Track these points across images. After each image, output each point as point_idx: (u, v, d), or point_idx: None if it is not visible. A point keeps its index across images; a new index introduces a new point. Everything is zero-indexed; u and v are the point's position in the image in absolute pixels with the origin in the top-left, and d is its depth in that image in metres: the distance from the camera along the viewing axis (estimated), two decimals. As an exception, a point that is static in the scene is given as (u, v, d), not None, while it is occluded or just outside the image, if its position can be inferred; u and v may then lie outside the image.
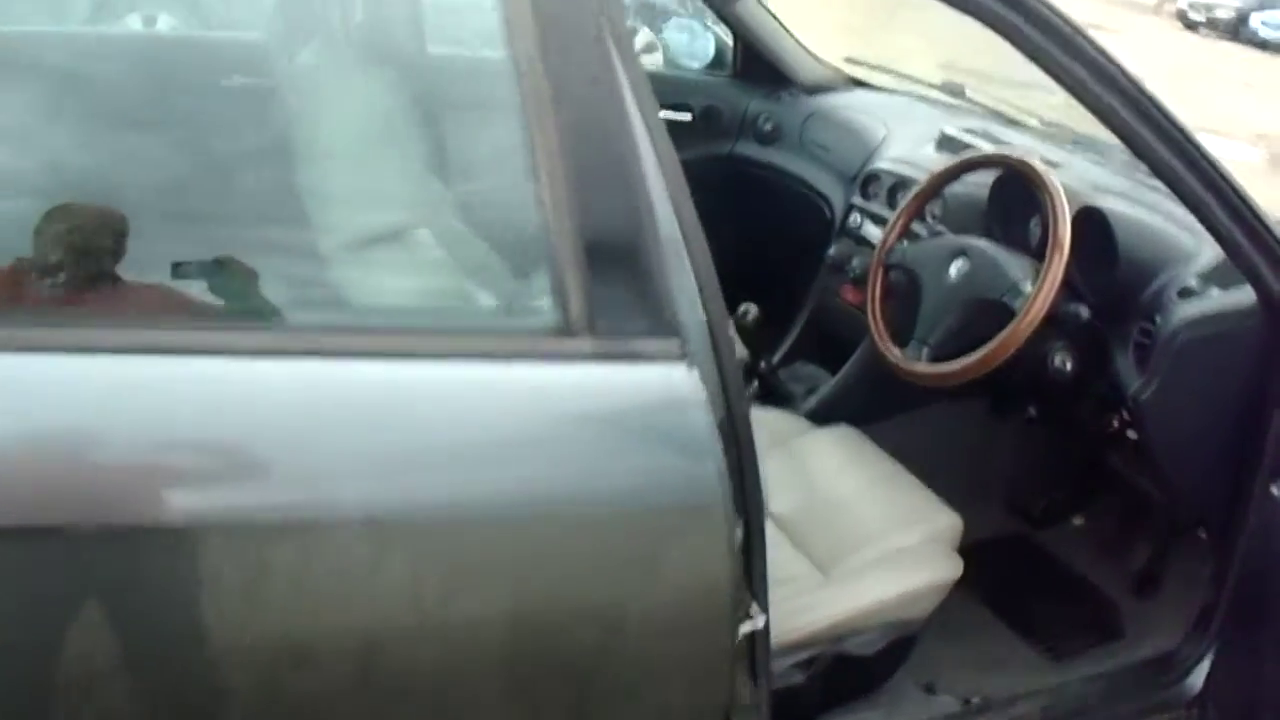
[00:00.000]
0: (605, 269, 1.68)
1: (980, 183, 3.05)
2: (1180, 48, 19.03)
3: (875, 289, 3.02)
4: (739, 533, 1.77)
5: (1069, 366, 2.75)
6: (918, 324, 2.86)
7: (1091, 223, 2.77)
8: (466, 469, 1.62)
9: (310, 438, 1.55)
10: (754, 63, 4.09)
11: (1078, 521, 3.57)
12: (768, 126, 4.05)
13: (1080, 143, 3.25)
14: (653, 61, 4.29)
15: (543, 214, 1.67)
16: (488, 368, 1.67)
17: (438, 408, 1.62)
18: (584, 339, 1.67)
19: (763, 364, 3.43)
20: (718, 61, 4.16)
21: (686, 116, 4.02)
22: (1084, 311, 2.67)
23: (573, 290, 1.67)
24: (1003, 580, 3.28)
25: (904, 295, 2.98)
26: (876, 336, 2.95)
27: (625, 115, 1.69)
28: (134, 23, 3.51)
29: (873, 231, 3.47)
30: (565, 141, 1.66)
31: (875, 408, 3.19)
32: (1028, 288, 2.66)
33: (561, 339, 1.67)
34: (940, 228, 3.10)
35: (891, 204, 3.45)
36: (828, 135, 3.86)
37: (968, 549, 2.66)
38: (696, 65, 4.15)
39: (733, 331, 1.77)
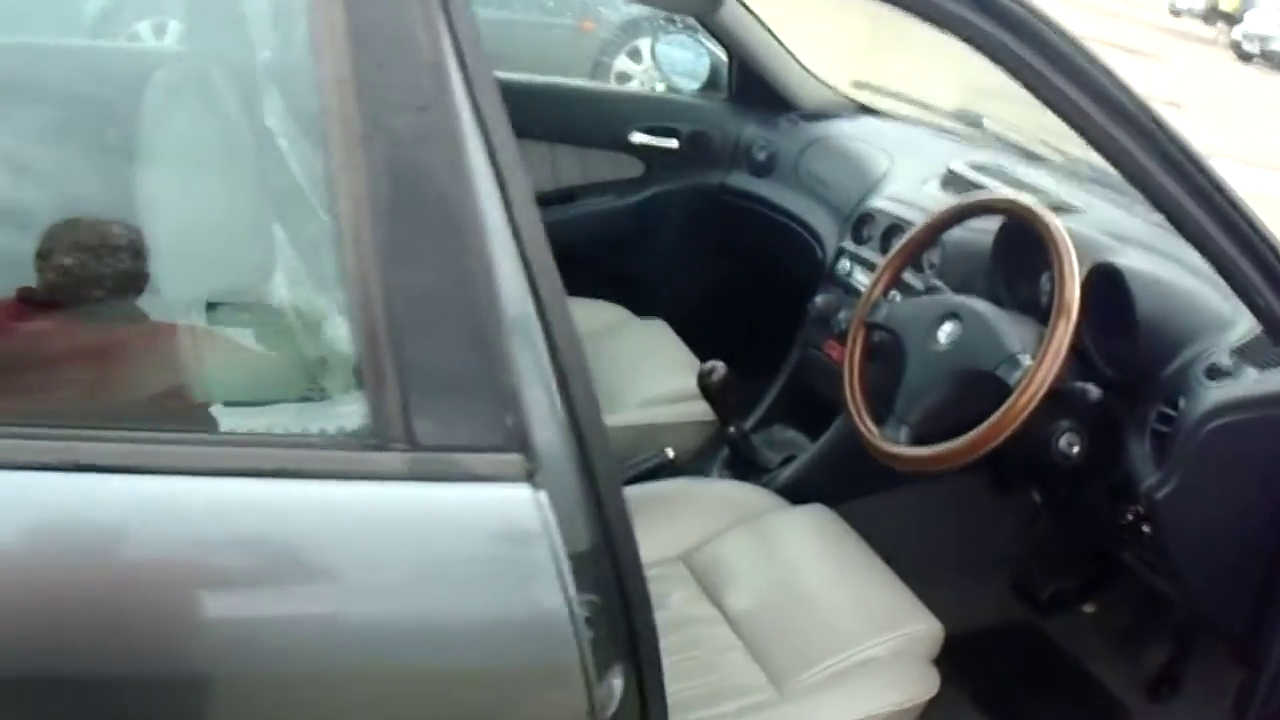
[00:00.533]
0: (428, 361, 1.31)
1: (986, 229, 2.65)
2: (1232, 79, 18.41)
3: (854, 352, 2.63)
4: (613, 690, 1.43)
5: (1075, 450, 2.37)
6: (898, 397, 2.47)
7: (1107, 283, 2.37)
8: (238, 613, 1.28)
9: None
10: (751, 84, 3.74)
11: (1089, 609, 3.18)
12: (762, 156, 3.70)
13: (1104, 182, 2.88)
14: (642, 81, 3.89)
15: (346, 287, 1.29)
16: (272, 486, 1.28)
17: (201, 533, 1.26)
18: (398, 452, 1.30)
19: (732, 429, 2.97)
20: (712, 82, 3.80)
21: (673, 143, 3.73)
22: (1094, 390, 2.29)
23: (385, 389, 1.29)
24: (1001, 675, 2.97)
25: (888, 360, 2.58)
26: (851, 410, 2.52)
27: (462, 156, 1.31)
28: (144, 31, 3.40)
29: (862, 280, 3.05)
30: (377, 189, 1.29)
31: (857, 483, 2.81)
32: (1027, 360, 2.26)
33: (368, 452, 1.30)
34: (936, 281, 2.69)
35: (885, 249, 3.02)
36: (826, 167, 3.49)
37: (963, 638, 2.37)
38: (692, 86, 3.80)
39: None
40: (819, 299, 3.13)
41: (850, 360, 2.62)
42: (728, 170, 3.74)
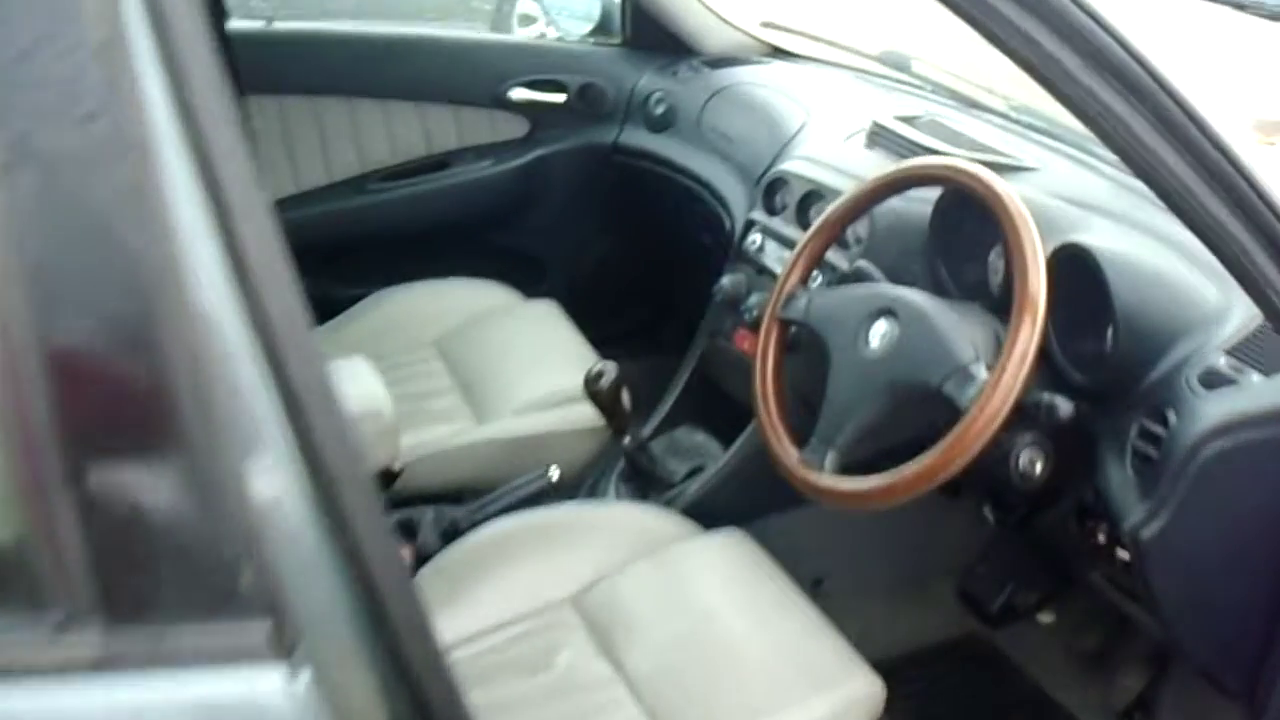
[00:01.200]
0: (117, 488, 0.86)
1: (923, 198, 2.22)
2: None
3: (766, 354, 2.20)
4: None
5: (1038, 470, 1.95)
6: (822, 412, 2.04)
7: (1075, 268, 1.94)
8: None
9: None
10: (647, 27, 3.36)
11: (1046, 619, 2.76)
12: (660, 109, 3.29)
13: (1058, 134, 2.55)
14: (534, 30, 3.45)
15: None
16: None
17: None
18: (84, 633, 0.86)
19: (628, 439, 2.53)
20: (603, 26, 3.42)
21: (559, 97, 3.35)
22: (1064, 405, 1.86)
23: (55, 537, 0.85)
24: (951, 699, 2.61)
25: (809, 363, 2.16)
26: (764, 427, 2.09)
27: (154, 184, 0.82)
28: None
29: (776, 259, 2.65)
30: (25, 243, 0.83)
31: (777, 497, 2.32)
32: (982, 373, 1.84)
33: (42, 636, 0.86)
34: (864, 264, 2.24)
35: (802, 221, 2.61)
36: (732, 121, 3.07)
37: (907, 658, 2.15)
38: (581, 29, 3.45)
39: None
40: (725, 280, 2.67)
41: (762, 365, 2.18)
42: (621, 126, 3.35)
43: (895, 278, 2.17)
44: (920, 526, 2.59)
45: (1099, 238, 1.98)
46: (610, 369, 2.42)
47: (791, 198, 2.67)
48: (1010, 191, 1.91)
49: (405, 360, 2.79)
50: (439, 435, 2.54)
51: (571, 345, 2.86)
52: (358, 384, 1.95)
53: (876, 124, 2.67)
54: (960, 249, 2.21)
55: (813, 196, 2.61)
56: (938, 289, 2.16)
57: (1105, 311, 1.89)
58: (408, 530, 2.42)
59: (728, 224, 2.90)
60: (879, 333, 2.00)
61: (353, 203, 3.20)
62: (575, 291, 3.25)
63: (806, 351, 2.17)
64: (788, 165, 2.72)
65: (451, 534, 2.33)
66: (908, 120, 2.65)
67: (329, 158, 3.17)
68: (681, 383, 2.84)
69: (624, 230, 3.43)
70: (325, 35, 3.26)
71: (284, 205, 3.06)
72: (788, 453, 2.05)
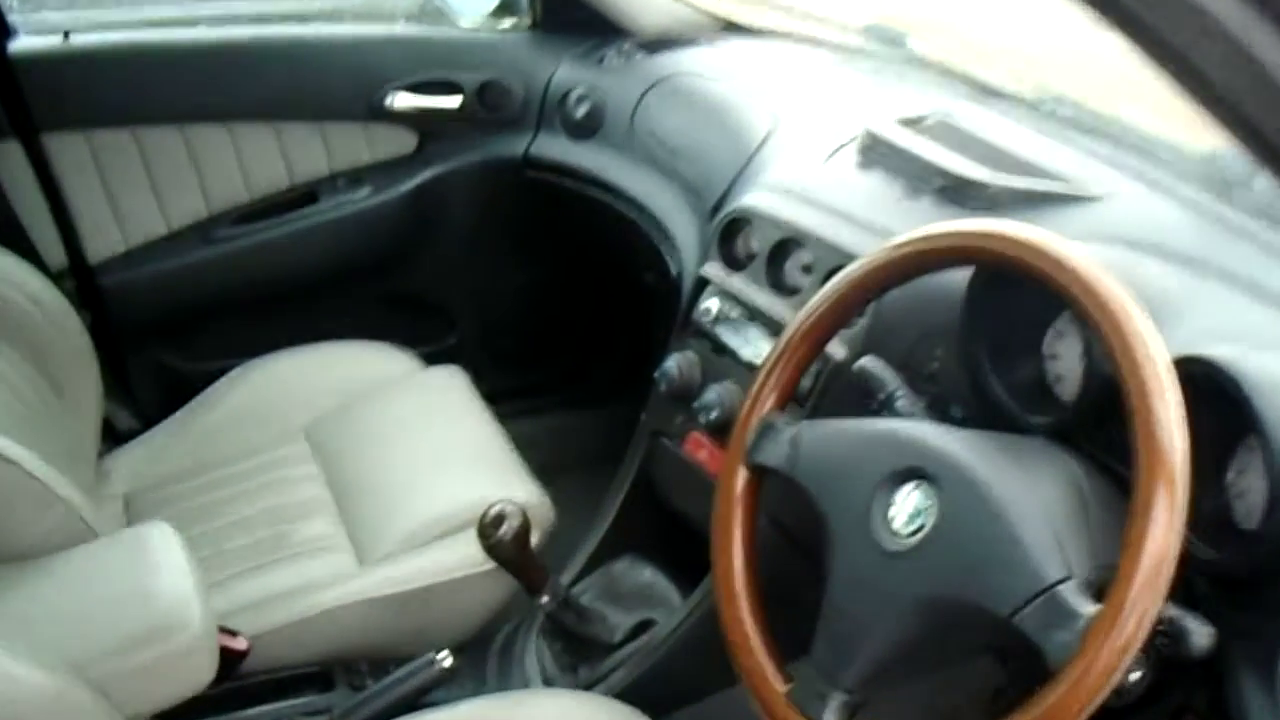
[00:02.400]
0: None
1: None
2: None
3: (730, 520, 1.50)
4: None
5: (1135, 681, 1.25)
6: (820, 629, 1.36)
7: (1202, 391, 1.25)
8: None
9: None
10: (561, 3, 2.70)
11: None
12: (582, 109, 2.60)
13: (1108, 133, 1.91)
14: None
15: None
16: None
17: None
18: None
19: (545, 599, 1.89)
20: (507, 5, 2.76)
21: (454, 101, 2.68)
22: (1199, 635, 1.20)
23: None
24: None
25: (802, 523, 1.55)
26: (733, 636, 1.45)
27: None
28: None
29: (739, 333, 1.96)
30: None
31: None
32: (1082, 605, 1.16)
33: None
34: (870, 363, 1.56)
35: (776, 282, 1.93)
36: (676, 124, 2.38)
37: None
38: (477, 12, 2.76)
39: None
40: (671, 364, 1.98)
41: (724, 536, 1.49)
42: (534, 134, 2.70)
43: (914, 380, 1.55)
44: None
45: (1229, 339, 1.32)
46: (511, 516, 1.71)
47: (759, 245, 1.96)
48: (1116, 291, 1.24)
49: (269, 460, 2.25)
50: (305, 581, 1.99)
51: (480, 437, 2.26)
52: (159, 577, 1.61)
53: (871, 134, 1.95)
54: (1007, 333, 1.52)
55: (789, 246, 1.91)
56: (980, 396, 1.52)
57: (1250, 459, 1.28)
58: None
59: (673, 267, 2.23)
60: (906, 510, 1.32)
61: (198, 256, 2.61)
62: (490, 341, 2.85)
63: (795, 523, 1.58)
64: (752, 199, 2.00)
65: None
66: (912, 124, 1.95)
67: (164, 202, 2.58)
68: (619, 499, 2.13)
69: (544, 263, 2.86)
70: (145, 47, 2.57)
71: (109, 269, 2.55)
72: (769, 685, 1.35)
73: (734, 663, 1.43)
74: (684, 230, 2.24)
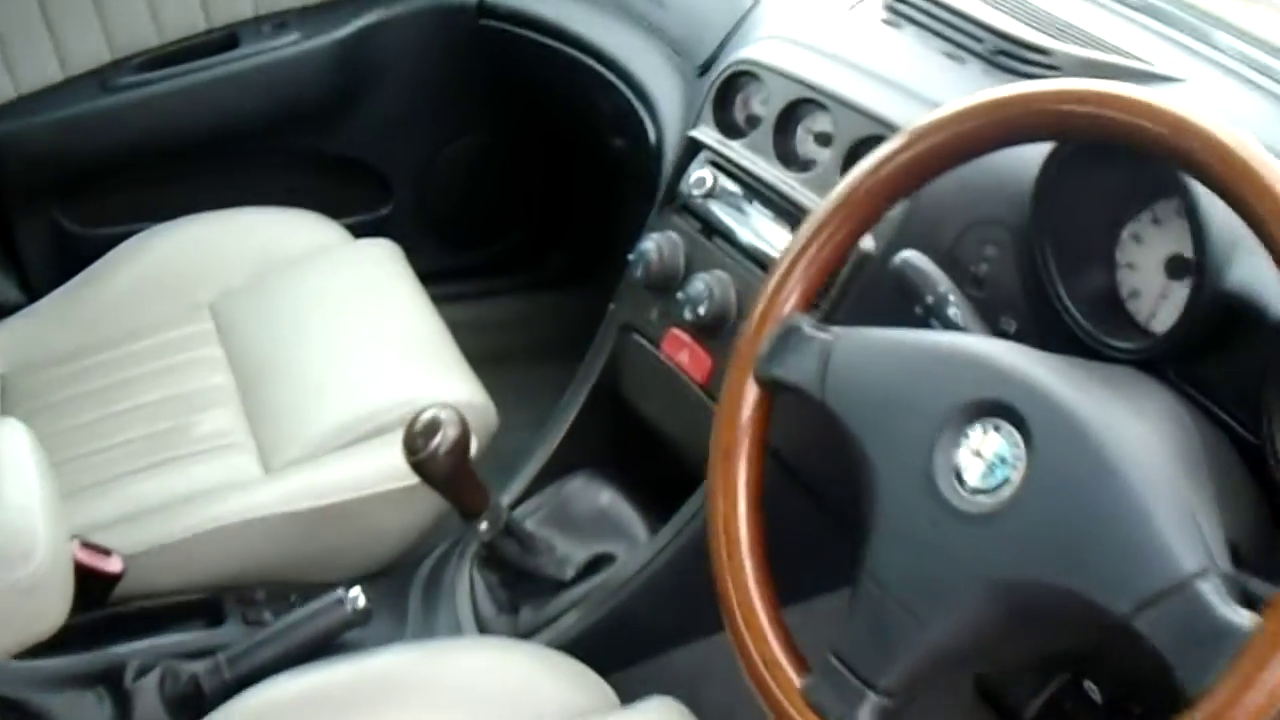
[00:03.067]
0: None
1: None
2: None
3: (734, 456, 1.17)
4: None
5: None
6: (854, 610, 1.04)
7: None
8: None
9: None
10: None
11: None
12: None
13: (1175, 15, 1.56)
14: None
15: None
16: None
17: None
18: None
19: (484, 525, 1.55)
20: None
21: None
22: None
23: None
24: None
25: (822, 461, 1.18)
26: (731, 606, 1.11)
27: None
28: None
29: (738, 212, 1.62)
30: None
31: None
32: (1234, 615, 0.85)
33: None
34: (912, 258, 1.25)
35: (784, 154, 1.59)
36: None
37: None
38: None
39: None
40: (650, 244, 1.65)
41: (726, 478, 1.16)
42: None
43: (958, 283, 1.25)
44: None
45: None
46: (447, 423, 1.37)
47: (763, 107, 1.63)
48: (1267, 161, 0.93)
49: (168, 340, 1.95)
50: (198, 488, 1.68)
51: (413, 323, 1.95)
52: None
53: None
54: (1079, 234, 1.24)
55: (802, 109, 1.58)
56: (1040, 308, 1.24)
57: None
58: (113, 687, 1.50)
59: (652, 133, 1.91)
60: (983, 459, 0.99)
61: (100, 104, 2.26)
62: (431, 213, 2.54)
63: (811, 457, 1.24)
64: (757, 50, 1.66)
65: (190, 703, 1.45)
66: None
67: (60, 42, 2.22)
68: (576, 404, 1.80)
69: (496, 126, 2.54)
70: None
71: (-1, 115, 2.18)
72: (781, 673, 1.03)
73: (731, 633, 1.10)
74: (667, 91, 1.91)
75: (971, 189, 1.31)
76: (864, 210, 1.16)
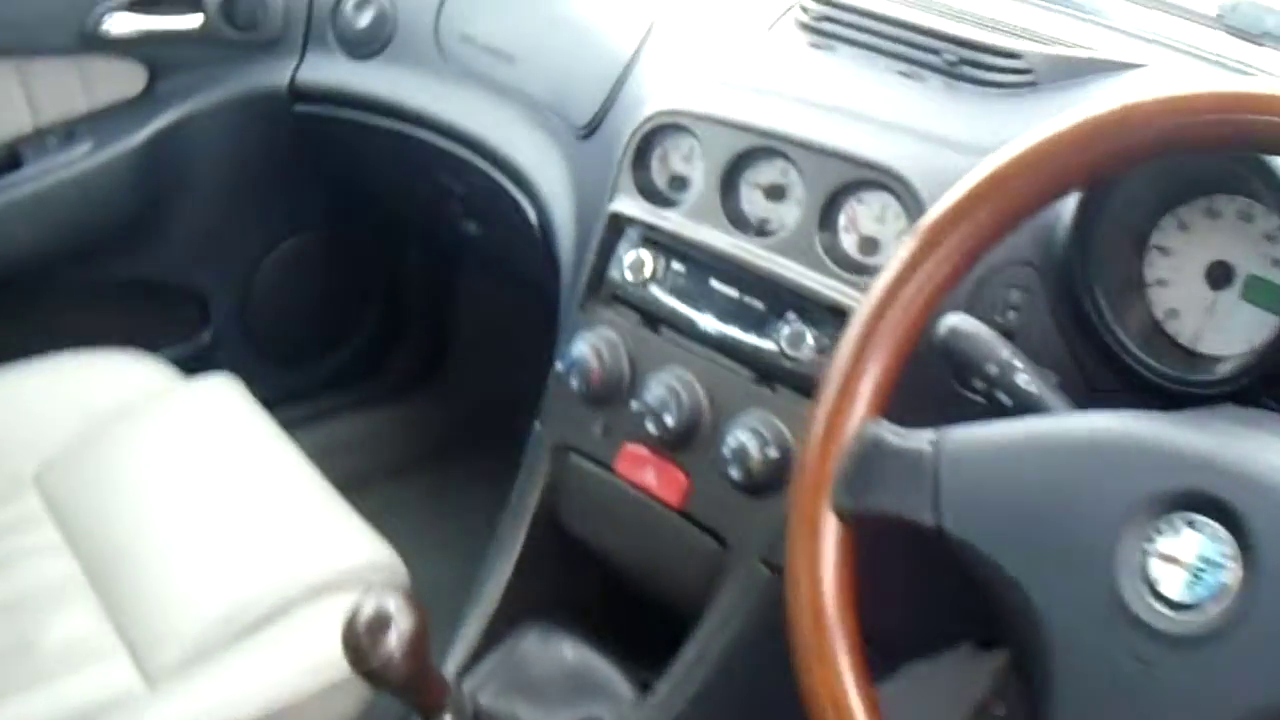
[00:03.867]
0: None
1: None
2: None
3: (829, 627, 0.91)
4: None
5: None
6: None
7: None
8: None
9: None
10: None
11: None
12: (364, 17, 1.97)
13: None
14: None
15: None
16: None
17: None
18: None
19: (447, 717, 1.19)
20: None
21: (193, 20, 2.01)
22: None
23: None
24: None
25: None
26: None
27: None
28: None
29: (687, 297, 1.37)
30: None
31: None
32: None
33: None
34: (966, 325, 1.01)
35: (736, 215, 1.35)
36: (504, 21, 1.80)
37: None
38: None
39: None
40: (582, 350, 1.39)
41: (821, 655, 0.90)
42: (301, 54, 2.06)
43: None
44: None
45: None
46: (396, 612, 1.08)
47: (694, 165, 1.38)
48: None
49: None
50: (61, 712, 1.35)
51: (284, 473, 1.64)
52: None
53: None
54: (1115, 262, 1.09)
55: (747, 160, 1.33)
56: (1090, 354, 1.08)
57: None
58: None
59: (531, 213, 1.67)
60: (1183, 569, 0.80)
61: None
62: (258, 329, 2.26)
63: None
64: (676, 97, 1.40)
65: None
66: None
67: None
68: (515, 545, 1.52)
69: (324, 223, 2.28)
70: None
71: None
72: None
73: None
74: (541, 163, 1.66)
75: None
76: (948, 269, 0.91)
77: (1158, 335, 1.09)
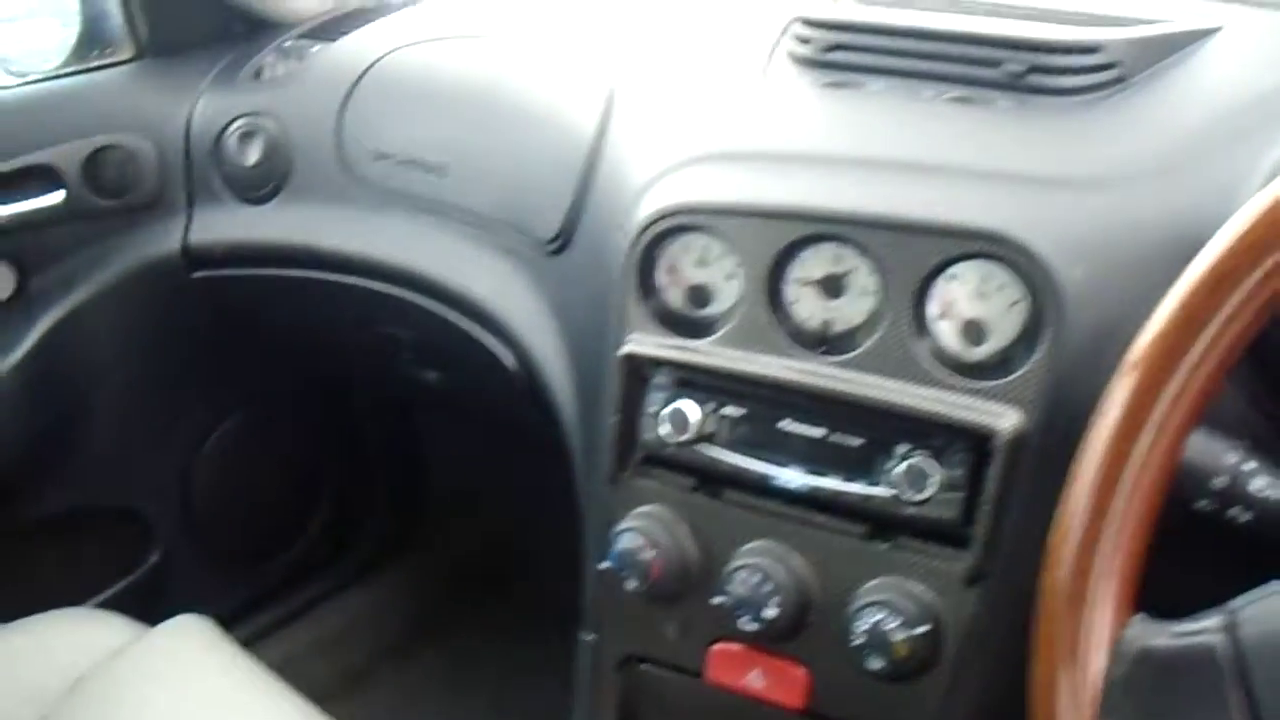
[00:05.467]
0: None
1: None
2: None
3: None
4: None
5: None
6: None
7: None
8: None
9: None
10: (176, 10, 1.81)
11: None
12: (252, 153, 1.65)
13: None
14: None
15: None
16: None
17: None
18: None
19: None
20: (94, 34, 1.82)
21: (53, 196, 1.70)
22: None
23: None
24: None
25: None
26: None
27: None
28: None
29: (751, 450, 1.05)
30: None
31: None
32: None
33: None
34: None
35: (796, 329, 1.04)
36: (426, 129, 1.49)
37: None
38: (32, 62, 1.80)
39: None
40: (633, 540, 1.08)
41: None
42: (188, 211, 1.74)
43: None
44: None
45: None
46: None
47: (716, 271, 1.09)
48: None
49: None
50: None
51: None
52: None
53: (811, 23, 1.14)
54: None
55: (801, 248, 1.03)
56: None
57: None
58: None
59: (507, 356, 1.37)
60: None
61: None
62: (210, 536, 1.97)
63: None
64: (682, 189, 1.10)
65: None
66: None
67: None
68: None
69: (263, 401, 2.00)
70: None
71: None
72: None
73: None
74: (506, 292, 1.36)
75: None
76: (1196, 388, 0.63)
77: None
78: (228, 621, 1.52)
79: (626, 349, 1.08)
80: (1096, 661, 0.65)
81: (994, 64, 1.03)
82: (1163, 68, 1.01)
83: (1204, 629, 0.63)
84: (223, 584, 1.79)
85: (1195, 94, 1.01)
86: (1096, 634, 0.65)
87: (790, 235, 1.00)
